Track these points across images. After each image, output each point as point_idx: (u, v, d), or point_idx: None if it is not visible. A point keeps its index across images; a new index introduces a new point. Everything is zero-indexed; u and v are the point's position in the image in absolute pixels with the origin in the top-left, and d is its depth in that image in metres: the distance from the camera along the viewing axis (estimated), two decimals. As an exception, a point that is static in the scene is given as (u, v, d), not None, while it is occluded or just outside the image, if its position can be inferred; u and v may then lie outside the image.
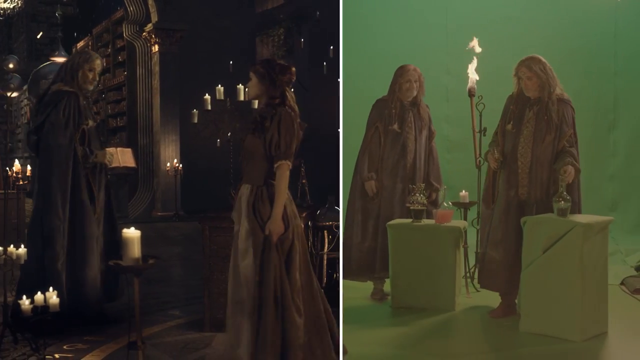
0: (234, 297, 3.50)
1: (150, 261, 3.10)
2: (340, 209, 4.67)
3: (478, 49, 5.40)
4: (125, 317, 4.47)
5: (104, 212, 4.88)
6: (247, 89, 3.64)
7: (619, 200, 6.71)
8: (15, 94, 9.15)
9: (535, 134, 4.56)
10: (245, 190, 3.51)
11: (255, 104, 5.55)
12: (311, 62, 10.45)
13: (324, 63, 9.71)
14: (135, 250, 3.01)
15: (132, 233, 3.03)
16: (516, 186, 4.60)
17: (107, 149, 4.97)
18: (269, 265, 3.40)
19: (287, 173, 3.44)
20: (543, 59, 4.64)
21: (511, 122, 4.65)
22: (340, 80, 5.21)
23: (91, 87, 4.85)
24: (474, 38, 5.44)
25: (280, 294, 3.40)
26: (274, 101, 3.49)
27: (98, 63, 4.84)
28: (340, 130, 5.12)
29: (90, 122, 4.78)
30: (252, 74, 3.57)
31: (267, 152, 3.43)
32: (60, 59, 9.60)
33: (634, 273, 5.76)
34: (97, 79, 4.89)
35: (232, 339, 3.52)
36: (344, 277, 4.93)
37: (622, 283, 5.55)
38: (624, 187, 6.70)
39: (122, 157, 10.85)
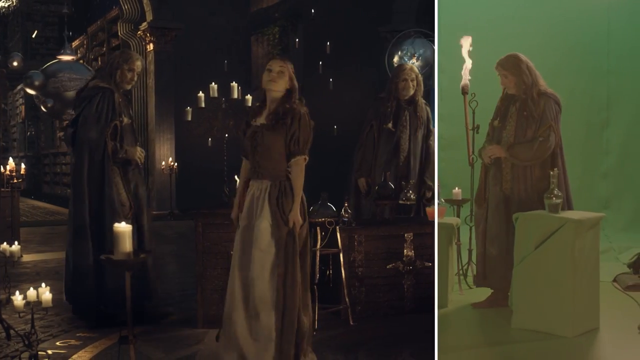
0: (253, 293, 3.50)
1: (142, 256, 3.11)
2: (436, 212, 4.64)
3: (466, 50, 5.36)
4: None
5: (146, 208, 4.93)
6: (270, 80, 3.51)
7: (612, 198, 6.74)
8: (33, 92, 9.17)
9: (516, 129, 4.62)
10: (263, 186, 3.54)
11: (249, 101, 5.58)
12: (306, 60, 10.46)
13: (320, 62, 9.74)
14: (127, 245, 3.02)
15: (123, 227, 3.03)
16: (501, 182, 4.66)
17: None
18: (294, 258, 3.50)
19: (304, 167, 3.56)
20: (520, 56, 4.70)
21: (497, 119, 4.72)
22: (436, 77, 5.17)
23: (129, 87, 4.93)
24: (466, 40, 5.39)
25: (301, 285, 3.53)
26: (292, 98, 3.53)
27: (138, 64, 4.90)
28: (436, 127, 5.08)
29: (126, 120, 4.82)
30: (285, 67, 3.54)
31: (286, 148, 3.52)
32: (67, 57, 9.59)
33: (627, 270, 5.78)
34: (136, 79, 4.94)
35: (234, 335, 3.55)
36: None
37: (614, 280, 5.57)
38: (617, 185, 6.73)
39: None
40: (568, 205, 4.57)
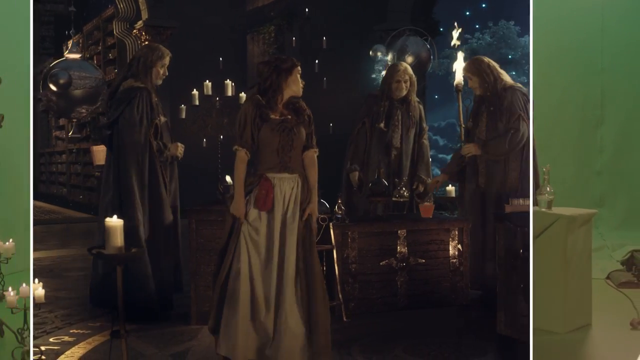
0: (285, 290, 3.49)
1: (133, 250, 3.11)
2: (531, 214, 4.64)
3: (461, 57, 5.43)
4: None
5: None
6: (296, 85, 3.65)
7: (606, 195, 6.75)
8: (55, 90, 9.17)
9: (487, 126, 4.82)
10: (294, 181, 3.57)
11: (242, 99, 5.58)
12: (302, 59, 10.45)
13: (316, 61, 9.73)
14: (118, 239, 3.02)
15: (114, 222, 3.03)
16: (477, 178, 4.80)
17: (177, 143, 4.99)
18: (314, 251, 3.57)
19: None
20: (482, 58, 4.98)
21: (470, 120, 4.92)
22: (530, 80, 5.26)
23: (160, 82, 4.94)
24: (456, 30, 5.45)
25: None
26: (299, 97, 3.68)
27: (168, 60, 4.93)
28: (531, 127, 5.14)
29: (162, 118, 4.85)
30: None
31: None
32: (74, 56, 9.62)
33: (620, 267, 5.80)
34: (167, 73, 4.96)
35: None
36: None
37: (607, 277, 5.59)
38: (612, 182, 6.74)
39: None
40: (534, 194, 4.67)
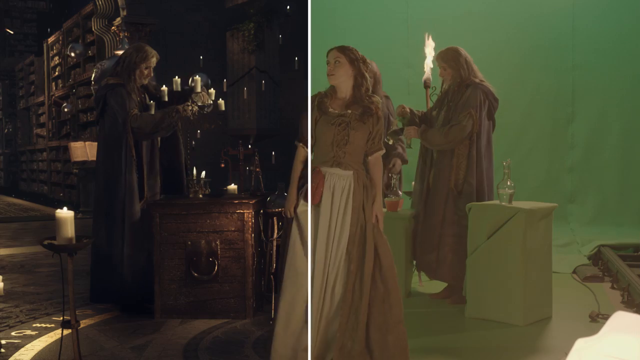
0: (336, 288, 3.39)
1: (85, 241, 3.11)
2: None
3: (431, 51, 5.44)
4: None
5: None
6: (328, 73, 3.43)
7: (577, 192, 6.81)
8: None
9: (444, 119, 4.73)
10: (347, 177, 3.41)
11: (213, 95, 5.56)
12: (282, 56, 10.46)
13: (296, 58, 9.73)
14: (69, 230, 3.02)
15: (65, 213, 3.03)
16: (430, 170, 4.81)
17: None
18: (370, 253, 3.44)
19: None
20: (460, 50, 4.80)
21: (436, 109, 4.85)
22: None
23: (146, 81, 5.01)
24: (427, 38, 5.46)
25: None
26: (365, 87, 3.46)
27: (154, 61, 4.95)
28: None
29: (135, 111, 4.80)
30: (341, 57, 3.42)
31: (368, 142, 3.46)
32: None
33: (587, 262, 5.86)
34: (152, 73, 5.02)
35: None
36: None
37: (574, 272, 5.64)
38: (583, 179, 6.80)
39: (90, 151, 10.83)
40: (479, 194, 4.65)
